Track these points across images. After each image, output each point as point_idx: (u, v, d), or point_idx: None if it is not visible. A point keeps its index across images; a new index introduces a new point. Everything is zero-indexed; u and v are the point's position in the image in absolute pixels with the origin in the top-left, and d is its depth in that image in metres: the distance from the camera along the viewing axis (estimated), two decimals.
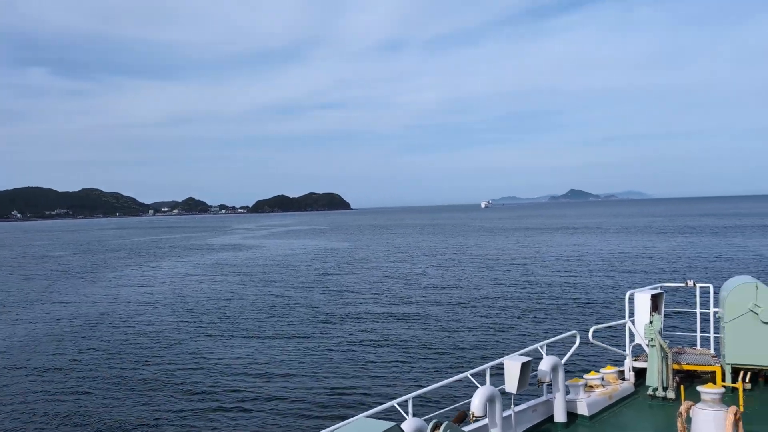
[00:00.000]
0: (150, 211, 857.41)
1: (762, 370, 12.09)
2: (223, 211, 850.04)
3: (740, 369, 11.99)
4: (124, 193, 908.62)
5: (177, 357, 26.73)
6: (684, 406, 8.83)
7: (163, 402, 20.64)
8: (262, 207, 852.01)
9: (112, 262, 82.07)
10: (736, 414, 8.27)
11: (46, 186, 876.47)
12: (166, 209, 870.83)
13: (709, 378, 12.25)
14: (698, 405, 8.62)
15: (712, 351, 13.34)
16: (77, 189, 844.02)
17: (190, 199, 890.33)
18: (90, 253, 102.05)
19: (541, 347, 10.75)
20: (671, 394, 11.56)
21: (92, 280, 59.64)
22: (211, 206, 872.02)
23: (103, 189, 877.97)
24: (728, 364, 11.98)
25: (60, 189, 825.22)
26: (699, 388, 8.78)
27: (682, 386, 11.54)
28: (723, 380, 11.93)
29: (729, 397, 10.72)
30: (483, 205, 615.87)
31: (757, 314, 11.72)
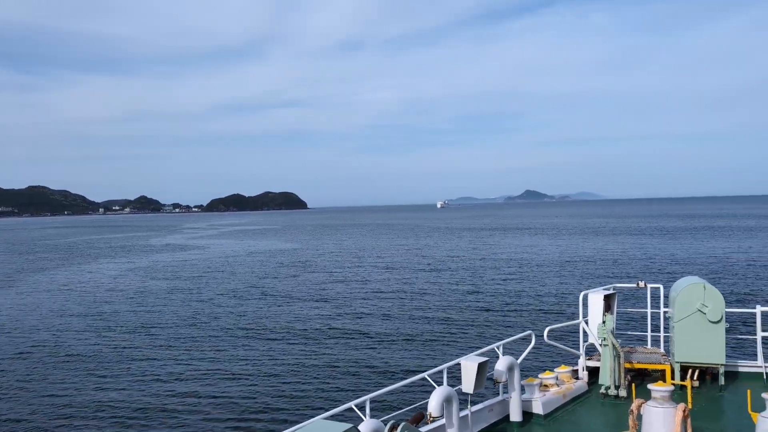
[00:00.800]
0: (100, 209, 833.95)
1: (709, 368, 12.44)
2: (177, 210, 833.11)
3: (689, 367, 12.31)
4: (73, 191, 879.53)
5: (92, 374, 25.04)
6: (635, 403, 9.04)
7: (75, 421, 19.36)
8: (217, 206, 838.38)
9: (36, 264, 77.53)
10: (684, 411, 8.49)
11: None
12: (117, 208, 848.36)
13: (659, 376, 12.53)
14: (649, 402, 8.83)
15: (662, 350, 13.65)
16: (23, 187, 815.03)
17: (143, 198, 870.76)
18: (15, 254, 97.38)
19: (498, 347, 10.85)
20: (623, 393, 11.80)
21: (5, 283, 55.79)
22: (164, 205, 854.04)
23: (51, 187, 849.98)
24: (677, 362, 12.29)
25: (5, 186, 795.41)
26: (649, 386, 8.98)
27: (633, 384, 11.79)
28: (672, 378, 12.22)
29: (678, 395, 10.99)
30: (439, 206, 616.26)
31: (704, 314, 12.04)
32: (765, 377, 12.82)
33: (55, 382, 23.15)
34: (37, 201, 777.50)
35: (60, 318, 36.83)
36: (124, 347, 28.43)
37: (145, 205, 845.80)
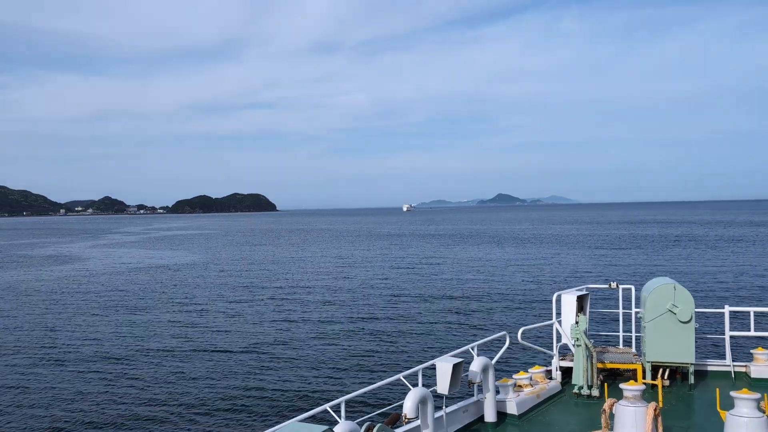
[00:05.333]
0: (61, 210, 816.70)
1: (679, 367, 12.63)
2: (142, 211, 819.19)
3: (659, 366, 12.48)
4: (35, 192, 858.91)
5: None
6: (607, 403, 9.14)
7: None
8: (183, 208, 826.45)
9: None
10: (655, 410, 8.62)
11: None
12: (80, 209, 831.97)
13: (631, 376, 12.68)
14: (621, 402, 8.94)
15: (633, 350, 13.82)
16: None
17: (107, 199, 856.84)
18: None
19: (472, 348, 10.89)
20: (596, 392, 11.92)
21: None
22: (129, 206, 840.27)
23: (11, 186, 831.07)
24: (648, 362, 12.45)
25: None
26: (621, 385, 9.09)
27: (605, 384, 11.92)
28: (644, 377, 12.38)
29: (649, 394, 11.14)
30: (405, 209, 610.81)
31: (674, 314, 12.22)
32: (733, 376, 13.05)
33: None
34: None
35: None
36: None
37: (109, 206, 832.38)
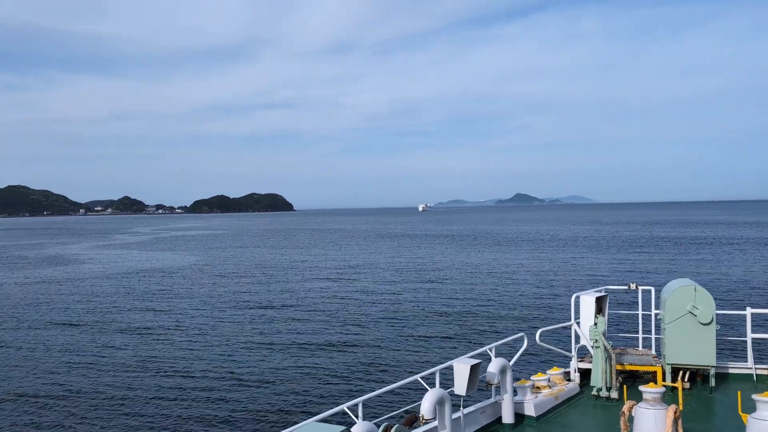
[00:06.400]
0: (81, 210, 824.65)
1: (700, 369, 12.50)
2: (160, 211, 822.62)
3: (680, 369, 12.37)
4: (56, 192, 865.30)
5: None
6: (627, 405, 9.07)
7: None
8: (201, 207, 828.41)
9: None
10: (675, 412, 8.54)
11: None
12: (99, 209, 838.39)
13: (651, 378, 12.58)
14: (640, 404, 8.86)
15: (653, 352, 13.70)
16: (2, 186, 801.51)
17: (126, 198, 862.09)
18: None
19: (490, 350, 10.86)
20: (614, 394, 11.84)
21: None
22: (147, 206, 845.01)
23: (33, 187, 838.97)
24: (668, 364, 12.34)
25: None
26: (641, 387, 9.02)
27: (624, 386, 11.83)
28: (663, 380, 12.27)
29: (669, 396, 11.04)
30: (420, 209, 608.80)
31: (695, 315, 12.10)
32: (755, 379, 12.89)
33: None
34: (15, 201, 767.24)
35: None
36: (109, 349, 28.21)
37: (128, 205, 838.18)
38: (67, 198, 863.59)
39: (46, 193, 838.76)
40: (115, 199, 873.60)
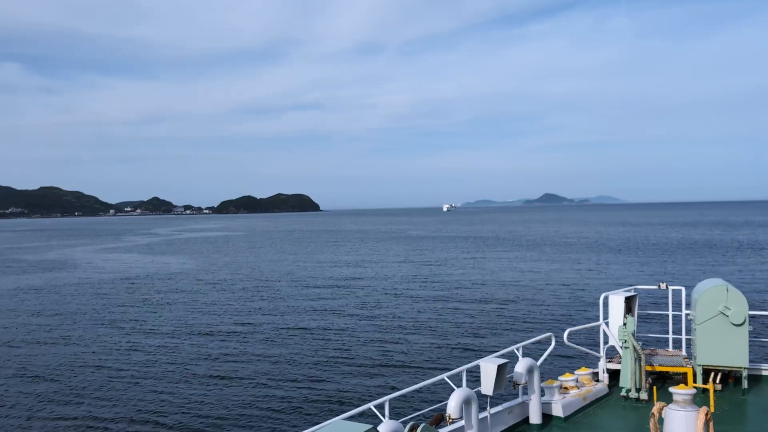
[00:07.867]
0: (111, 210, 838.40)
1: (732, 371, 12.30)
2: (188, 211, 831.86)
3: (711, 370, 12.18)
4: (87, 193, 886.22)
5: None
6: (656, 406, 8.95)
7: None
8: (228, 208, 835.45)
9: None
10: (707, 414, 8.41)
11: (4, 184, 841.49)
12: (129, 209, 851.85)
13: (681, 379, 12.41)
14: (670, 406, 8.75)
15: (683, 352, 13.51)
16: (36, 187, 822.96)
17: (155, 199, 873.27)
18: None
19: (517, 349, 10.82)
20: (644, 395, 11.70)
21: None
22: (175, 206, 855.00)
23: (65, 188, 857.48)
24: (699, 365, 12.16)
25: (18, 187, 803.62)
26: (671, 389, 8.91)
27: (654, 387, 11.69)
28: (694, 381, 12.10)
29: (700, 398, 10.89)
30: (445, 209, 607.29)
31: (727, 316, 11.91)
32: None
33: None
34: (48, 202, 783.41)
35: None
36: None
37: (157, 206, 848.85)
38: (98, 199, 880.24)
39: (78, 194, 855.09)
40: (145, 199, 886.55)
